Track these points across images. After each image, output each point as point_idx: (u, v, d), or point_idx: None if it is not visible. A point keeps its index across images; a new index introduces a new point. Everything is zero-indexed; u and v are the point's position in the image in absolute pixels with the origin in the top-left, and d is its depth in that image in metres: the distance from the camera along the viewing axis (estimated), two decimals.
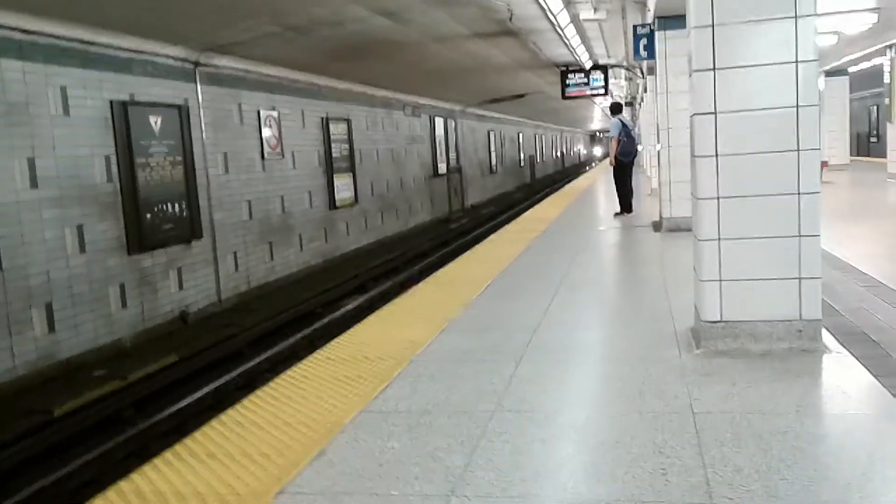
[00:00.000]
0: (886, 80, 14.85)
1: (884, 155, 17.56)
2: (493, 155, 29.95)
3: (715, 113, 3.86)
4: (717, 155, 3.88)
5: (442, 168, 22.23)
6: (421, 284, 6.76)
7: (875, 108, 26.29)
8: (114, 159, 8.69)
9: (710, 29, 3.85)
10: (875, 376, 3.44)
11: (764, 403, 3.20)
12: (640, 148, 21.45)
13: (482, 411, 3.32)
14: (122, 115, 8.79)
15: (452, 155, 23.60)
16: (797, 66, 3.74)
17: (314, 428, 3.23)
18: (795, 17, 3.74)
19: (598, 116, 44.38)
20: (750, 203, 3.86)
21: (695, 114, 3.96)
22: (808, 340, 3.87)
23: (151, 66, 9.45)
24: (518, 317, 5.13)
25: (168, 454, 3.05)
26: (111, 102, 8.68)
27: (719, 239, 3.92)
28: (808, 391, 3.32)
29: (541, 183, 39.13)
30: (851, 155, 21.72)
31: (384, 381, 3.83)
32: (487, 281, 6.56)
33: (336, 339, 4.83)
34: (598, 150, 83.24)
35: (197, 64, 10.33)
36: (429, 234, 18.92)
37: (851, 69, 20.09)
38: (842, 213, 9.96)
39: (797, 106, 3.77)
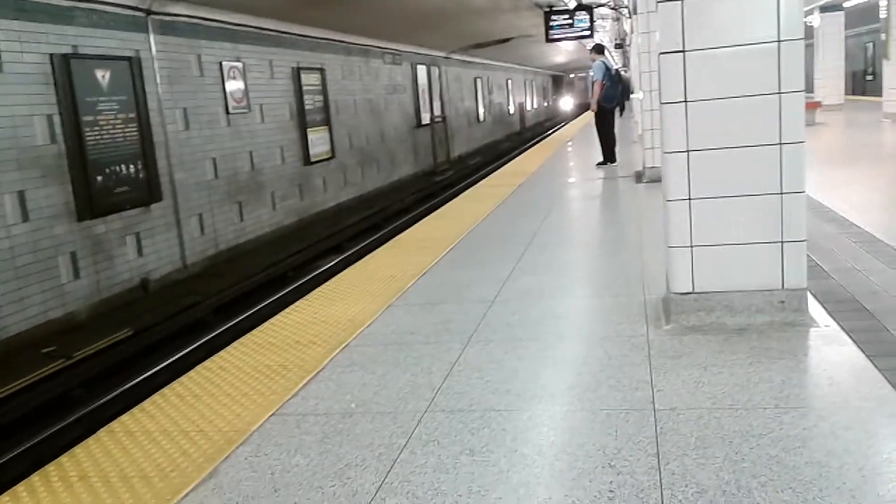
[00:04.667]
0: (883, 14, 14.15)
1: (880, 93, 16.91)
2: (481, 103, 29.13)
3: (683, 51, 3.31)
4: (685, 101, 3.34)
5: (426, 118, 21.50)
6: (380, 249, 6.27)
7: (871, 44, 25.46)
8: (57, 119, 8.09)
9: None
10: (869, 357, 2.97)
11: (738, 395, 2.73)
12: (634, 96, 20.70)
13: (411, 411, 2.85)
14: (65, 70, 8.15)
15: (437, 104, 22.85)
16: None
17: (214, 438, 2.76)
18: None
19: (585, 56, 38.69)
20: (724, 156, 3.33)
21: (662, 52, 3.41)
22: (791, 313, 3.39)
23: (97, 15, 8.77)
24: (475, 287, 4.64)
25: (36, 477, 2.59)
26: (51, 56, 8.05)
27: (690, 199, 3.41)
28: (789, 378, 2.84)
29: (531, 131, 38.32)
30: (846, 94, 21.03)
31: (310, 372, 3.36)
32: (452, 243, 6.06)
33: (272, 319, 4.35)
34: (568, 102, 49.75)
35: (149, 12, 9.64)
36: (412, 188, 18.33)
37: (847, 4, 19.28)
38: (833, 158, 9.43)
39: (779, 40, 3.22)
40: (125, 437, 2.85)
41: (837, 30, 19.53)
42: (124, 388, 6.11)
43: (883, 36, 14.08)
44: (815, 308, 3.51)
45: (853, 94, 25.32)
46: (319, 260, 11.24)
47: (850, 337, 3.20)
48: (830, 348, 3.14)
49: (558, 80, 50.78)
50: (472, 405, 2.88)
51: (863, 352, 3.03)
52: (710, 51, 3.28)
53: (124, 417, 3.03)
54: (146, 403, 3.17)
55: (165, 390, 3.30)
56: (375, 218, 14.45)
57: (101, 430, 2.93)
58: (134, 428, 2.92)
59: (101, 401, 5.87)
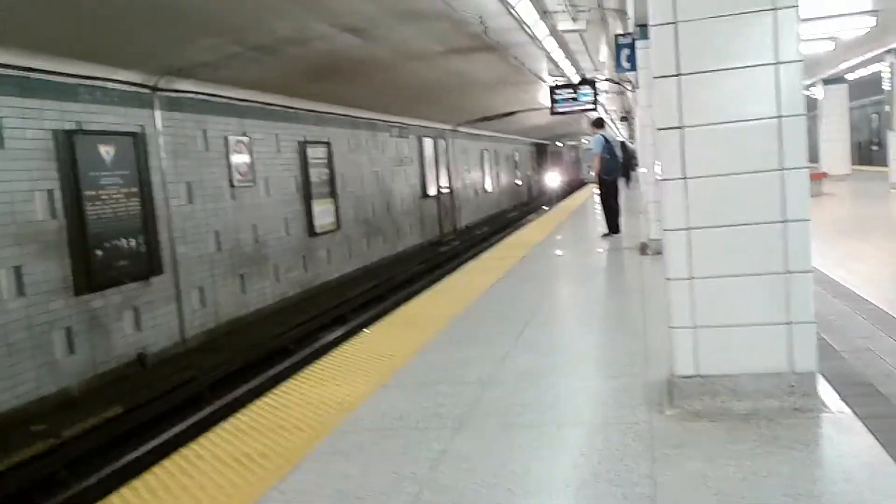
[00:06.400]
0: (887, 86, 14.23)
1: (885, 164, 16.89)
2: (488, 174, 29.36)
3: (682, 127, 3.22)
4: (685, 177, 3.23)
5: (432, 189, 21.62)
6: (378, 325, 6.10)
7: (876, 115, 25.66)
8: (58, 194, 8.08)
9: (673, 27, 3.21)
10: (885, 448, 2.76)
11: (746, 491, 2.52)
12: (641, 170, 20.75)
13: None
14: (68, 146, 8.19)
15: (444, 176, 23.01)
16: (777, 69, 3.10)
17: None
18: (774, 9, 3.11)
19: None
20: (726, 234, 3.20)
21: (660, 128, 3.32)
22: (801, 397, 3.20)
23: (101, 92, 8.86)
24: (471, 367, 4.45)
25: None
26: (54, 132, 8.09)
27: (691, 278, 3.26)
28: (800, 473, 2.64)
29: (538, 201, 38.48)
30: (853, 164, 21.05)
31: (291, 462, 3.17)
32: (451, 318, 5.90)
33: (258, 401, 4.17)
34: (553, 177, 41.82)
35: (155, 89, 9.74)
36: (417, 259, 18.26)
37: (850, 76, 19.48)
38: (842, 229, 9.29)
39: (779, 116, 3.12)
40: None
41: (841, 101, 19.69)
42: (105, 472, 5.91)
43: (887, 108, 14.12)
44: (826, 392, 3.31)
45: (859, 163, 25.38)
46: (322, 332, 11.07)
47: (865, 425, 3.00)
48: (844, 437, 2.93)
49: (543, 149, 43.73)
50: (457, 503, 2.67)
51: (879, 442, 2.83)
52: (708, 127, 3.18)
53: None
54: (113, 497, 2.97)
55: (136, 482, 3.11)
56: (380, 289, 14.32)
57: None
58: None
59: (82, 485, 5.65)
